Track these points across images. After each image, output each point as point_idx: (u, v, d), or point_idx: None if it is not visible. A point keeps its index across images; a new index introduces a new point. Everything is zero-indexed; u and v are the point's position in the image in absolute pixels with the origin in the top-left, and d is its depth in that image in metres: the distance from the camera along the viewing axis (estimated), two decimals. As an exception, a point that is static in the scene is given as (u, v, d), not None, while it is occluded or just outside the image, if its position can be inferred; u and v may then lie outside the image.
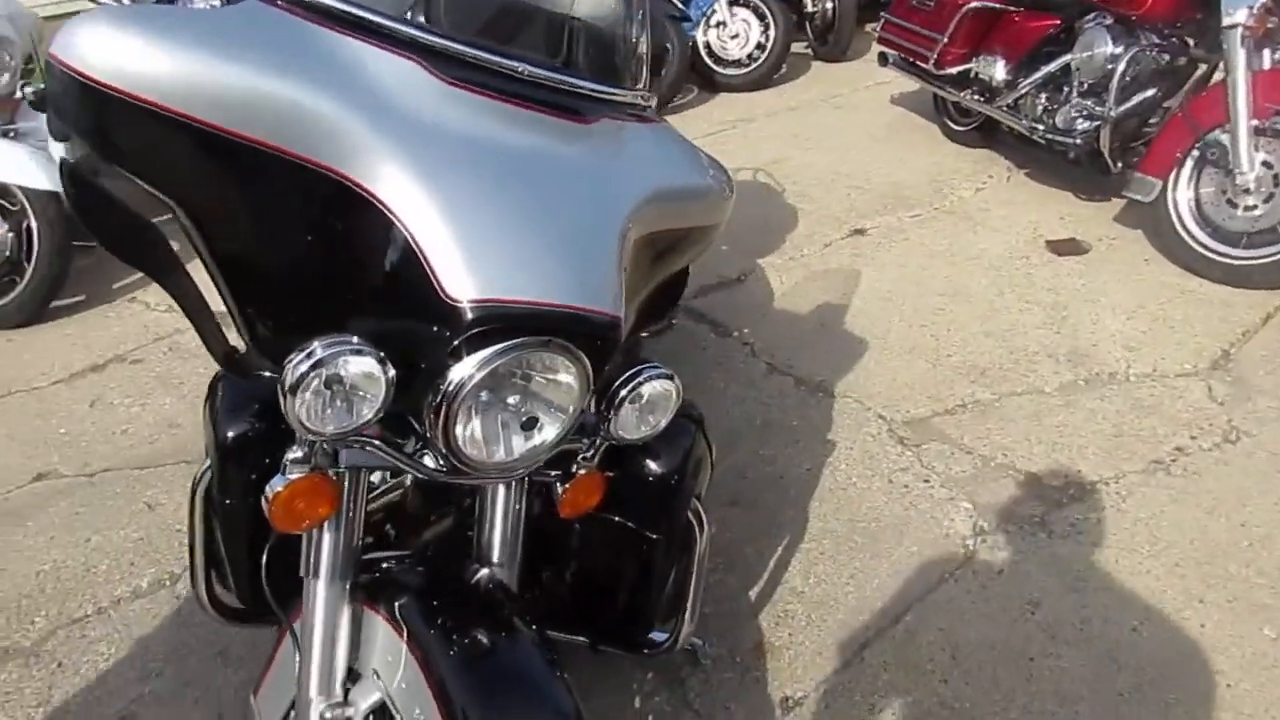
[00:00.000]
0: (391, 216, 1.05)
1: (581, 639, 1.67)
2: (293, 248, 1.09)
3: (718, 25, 6.02)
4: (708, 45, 6.06)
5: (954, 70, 4.56)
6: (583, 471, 1.34)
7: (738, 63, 6.09)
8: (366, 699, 1.20)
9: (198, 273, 1.14)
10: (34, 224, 3.25)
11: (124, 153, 1.00)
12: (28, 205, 3.24)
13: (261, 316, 1.11)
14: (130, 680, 1.93)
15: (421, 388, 1.06)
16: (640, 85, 1.49)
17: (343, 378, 1.02)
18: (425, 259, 1.04)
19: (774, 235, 4.02)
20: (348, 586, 1.21)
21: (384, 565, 1.30)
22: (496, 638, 1.20)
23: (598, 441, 1.32)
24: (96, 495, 2.50)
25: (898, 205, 4.22)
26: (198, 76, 0.98)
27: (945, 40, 4.53)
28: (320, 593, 1.19)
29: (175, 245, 1.17)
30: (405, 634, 1.17)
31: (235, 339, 1.17)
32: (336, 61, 1.08)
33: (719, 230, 1.62)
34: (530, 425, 1.13)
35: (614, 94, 1.37)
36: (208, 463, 1.42)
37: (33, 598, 2.16)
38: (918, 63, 4.76)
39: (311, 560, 1.19)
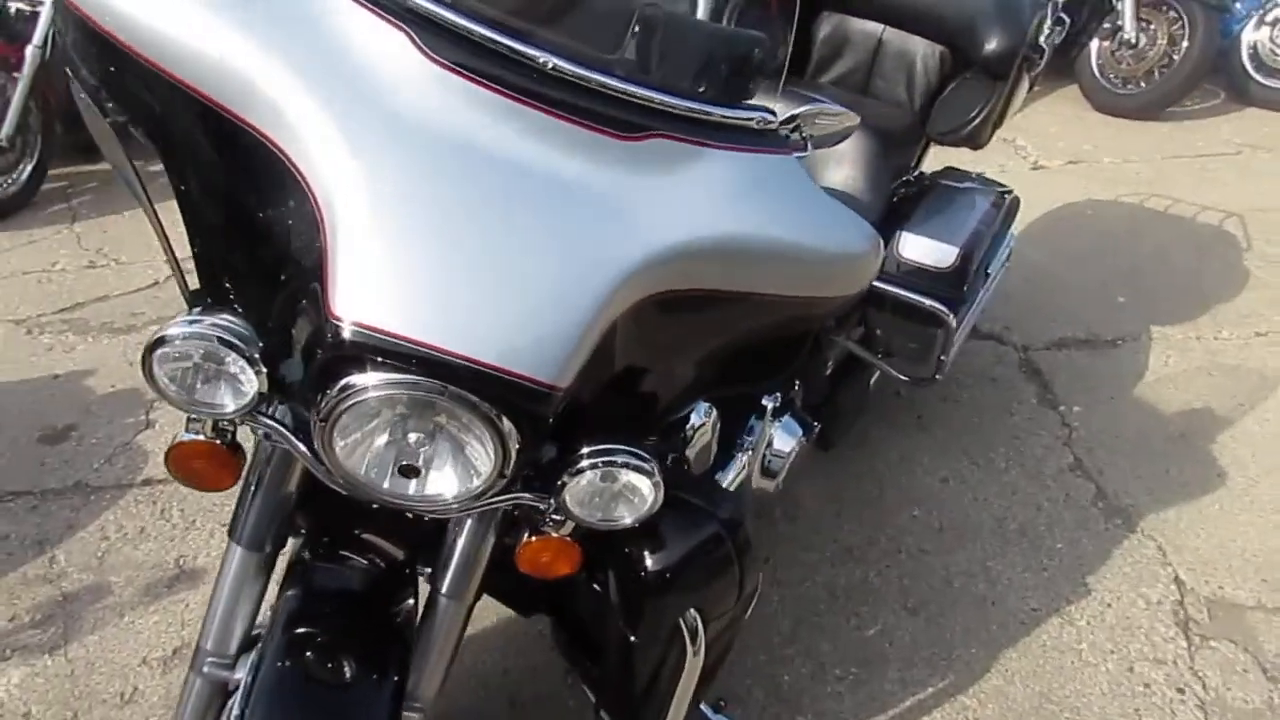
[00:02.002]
0: (314, 204, 0.94)
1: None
2: (231, 210, 1.03)
3: (1275, 24, 4.76)
4: (1254, 47, 4.84)
5: None
6: (550, 533, 1.17)
7: (1287, 75, 4.78)
8: (242, 671, 1.20)
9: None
10: None
11: (115, 94, 1.02)
12: None
13: (204, 265, 1.08)
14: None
15: (300, 394, 0.98)
16: (750, 99, 1.18)
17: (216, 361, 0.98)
18: (329, 263, 0.92)
19: (1195, 300, 3.19)
20: (264, 555, 1.20)
21: (316, 554, 1.27)
22: (338, 675, 1.12)
23: (554, 507, 1.14)
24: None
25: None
26: (169, 28, 0.95)
27: None
28: (235, 555, 1.19)
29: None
30: (272, 627, 1.14)
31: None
32: (307, 19, 0.98)
33: (841, 303, 1.28)
34: (409, 473, 1.01)
35: (694, 109, 1.06)
36: None
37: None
38: None
39: (236, 520, 1.19)
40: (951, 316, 2.00)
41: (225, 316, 0.99)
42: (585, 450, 1.07)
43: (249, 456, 1.15)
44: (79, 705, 1.75)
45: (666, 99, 1.04)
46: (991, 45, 1.99)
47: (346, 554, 1.31)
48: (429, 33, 0.98)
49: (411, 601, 1.30)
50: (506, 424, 0.97)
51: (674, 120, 1.05)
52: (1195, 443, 2.54)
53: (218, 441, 1.07)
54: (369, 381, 0.92)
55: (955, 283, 2.00)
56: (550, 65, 0.99)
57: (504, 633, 1.90)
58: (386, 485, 1.01)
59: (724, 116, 1.09)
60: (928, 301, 1.98)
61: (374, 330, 0.90)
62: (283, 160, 0.95)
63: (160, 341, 0.96)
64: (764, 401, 1.88)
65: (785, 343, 1.35)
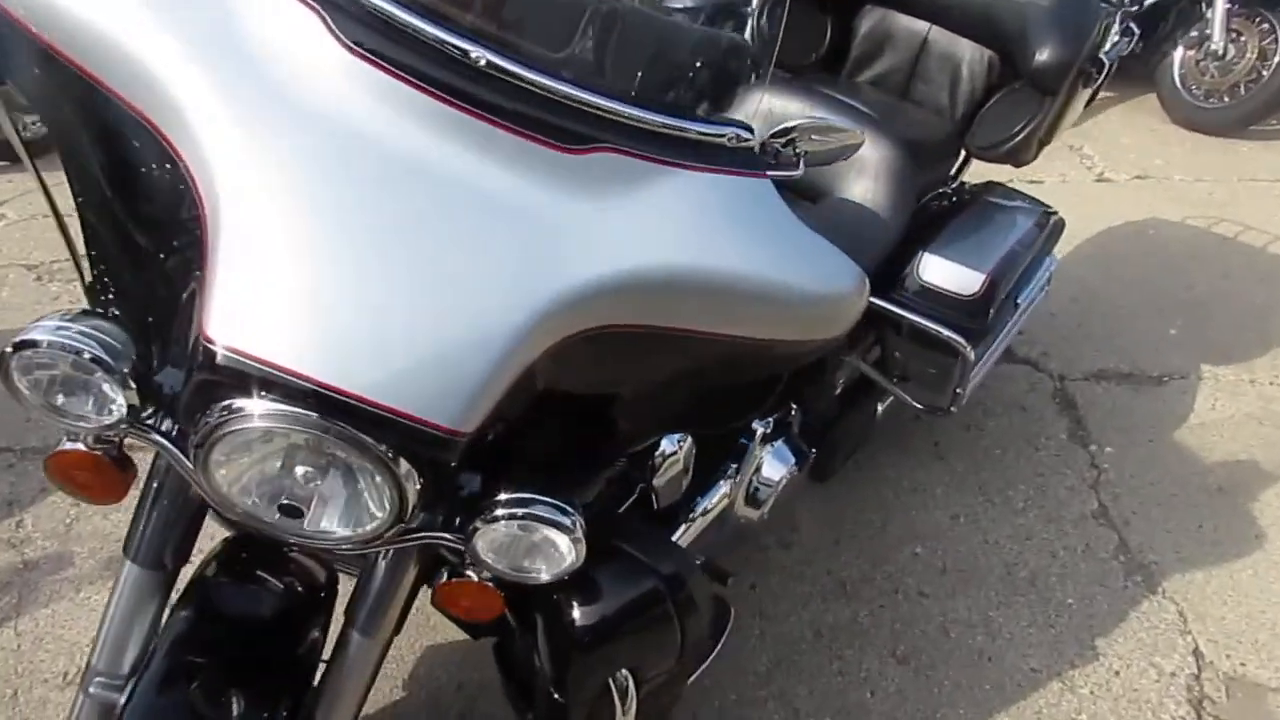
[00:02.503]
0: (199, 204, 0.83)
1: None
2: (116, 204, 0.92)
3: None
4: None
5: None
6: (470, 575, 1.07)
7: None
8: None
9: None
10: None
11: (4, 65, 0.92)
12: None
13: (94, 261, 0.98)
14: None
15: (178, 412, 0.88)
16: (728, 111, 1.04)
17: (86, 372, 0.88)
18: (209, 274, 0.81)
19: (1254, 339, 2.96)
20: (163, 573, 1.11)
21: (226, 571, 1.17)
22: (220, 709, 1.03)
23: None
24: None
25: None
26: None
27: None
28: (129, 573, 1.10)
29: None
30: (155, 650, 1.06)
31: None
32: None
33: (818, 346, 1.14)
34: (291, 512, 0.90)
35: (651, 121, 0.93)
36: None
37: None
38: None
39: (131, 535, 1.10)
40: (969, 349, 1.84)
41: (98, 324, 0.89)
42: (503, 497, 0.96)
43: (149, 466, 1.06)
44: (20, 683, 1.70)
45: (617, 107, 0.91)
46: (1043, 56, 1.81)
47: (263, 574, 1.21)
48: (344, 14, 0.86)
49: (317, 633, 1.21)
50: (404, 466, 0.87)
51: (626, 132, 0.92)
52: (1235, 498, 2.35)
53: (99, 453, 0.98)
54: (247, 410, 0.82)
55: (977, 312, 1.84)
56: (483, 61, 0.86)
57: (460, 647, 1.81)
58: (268, 519, 0.92)
59: (688, 131, 0.96)
60: (944, 331, 1.83)
61: (249, 357, 0.80)
62: (167, 151, 0.85)
63: (25, 344, 0.86)
64: (754, 425, 1.75)
65: (758, 384, 1.22)
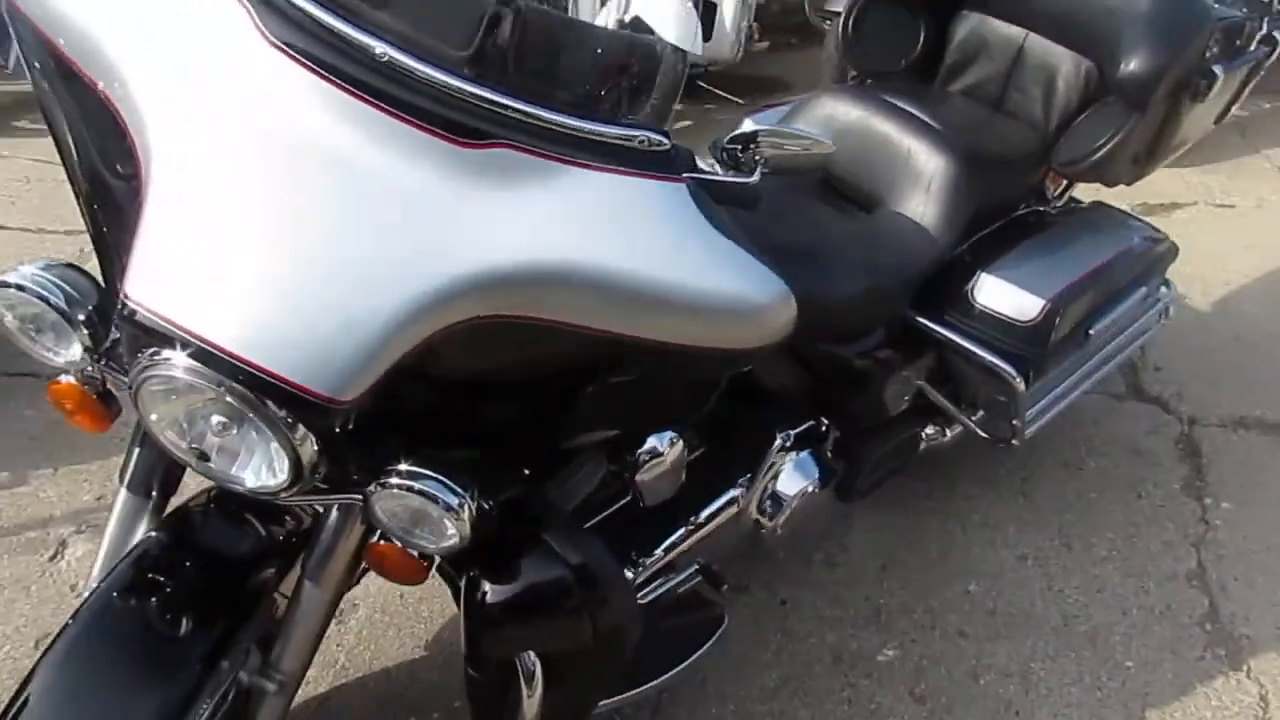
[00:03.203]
0: (140, 174, 0.94)
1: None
2: (87, 166, 1.05)
3: None
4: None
5: None
6: (396, 540, 1.14)
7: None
8: None
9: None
10: None
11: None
12: None
13: (84, 214, 1.12)
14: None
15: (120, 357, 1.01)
16: (634, 116, 1.03)
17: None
18: (139, 236, 0.92)
19: None
20: (152, 501, 1.25)
21: (211, 505, 1.28)
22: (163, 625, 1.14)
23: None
24: None
25: None
26: None
27: None
28: (120, 497, 1.25)
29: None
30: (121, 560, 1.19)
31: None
32: None
33: (741, 357, 1.12)
34: (202, 456, 1.01)
35: (549, 120, 0.96)
36: None
37: None
38: None
39: (125, 463, 1.24)
40: (1018, 379, 1.72)
41: (69, 274, 1.04)
42: (402, 467, 1.03)
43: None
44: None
45: (513, 105, 0.95)
46: (1130, 66, 1.66)
47: (249, 515, 1.33)
48: (269, 12, 0.95)
49: (272, 573, 1.30)
50: (301, 429, 0.95)
51: (525, 130, 0.96)
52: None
53: (85, 388, 1.12)
54: (162, 361, 0.92)
55: (1032, 341, 1.72)
56: (385, 57, 0.93)
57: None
58: (188, 460, 1.02)
59: (591, 132, 0.98)
60: (989, 357, 1.72)
61: (153, 314, 0.90)
62: (119, 123, 0.97)
63: (3, 285, 1.02)
64: (776, 433, 1.73)
65: (685, 388, 1.22)
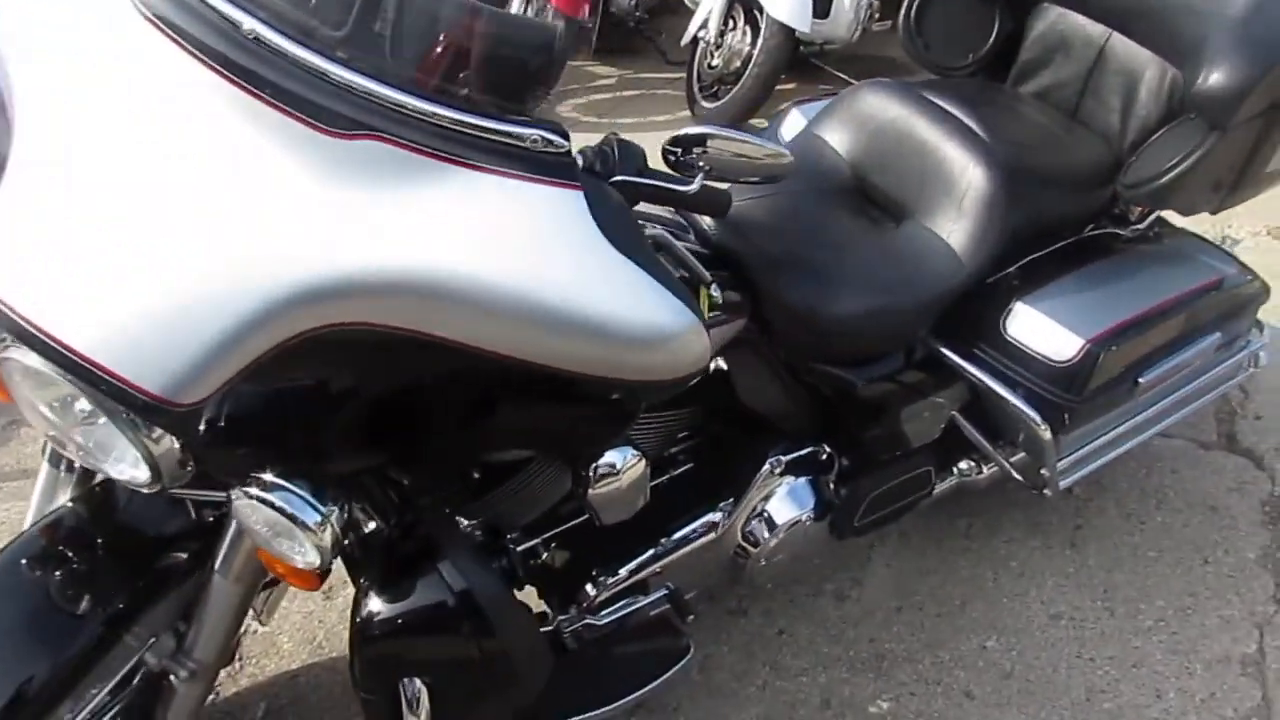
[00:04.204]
0: (9, 140, 0.92)
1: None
2: None
3: None
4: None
5: None
6: None
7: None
8: None
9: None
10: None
11: None
12: None
13: None
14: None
15: None
16: (524, 110, 0.92)
17: None
18: None
19: None
20: (73, 476, 1.24)
21: None
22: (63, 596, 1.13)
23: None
24: None
25: None
26: None
27: None
28: (42, 471, 1.25)
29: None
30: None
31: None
32: None
33: (640, 388, 1.00)
34: (59, 444, 0.98)
35: (425, 112, 0.87)
36: None
37: None
38: None
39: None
40: (1043, 427, 1.53)
41: None
42: (266, 476, 0.97)
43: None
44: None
45: (387, 93, 0.87)
46: (1211, 79, 1.43)
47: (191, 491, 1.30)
48: None
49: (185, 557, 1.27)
50: (158, 429, 0.91)
51: (400, 122, 0.87)
52: None
53: None
54: (15, 347, 0.90)
55: (1065, 385, 1.52)
56: (253, 35, 0.86)
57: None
58: (70, 445, 0.99)
59: (476, 128, 0.88)
60: (1011, 398, 1.53)
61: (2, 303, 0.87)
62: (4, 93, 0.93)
63: None
64: (767, 458, 1.60)
65: (596, 417, 1.11)
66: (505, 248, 0.88)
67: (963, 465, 1.86)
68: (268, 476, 0.96)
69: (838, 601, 1.92)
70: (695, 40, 3.94)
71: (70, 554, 1.17)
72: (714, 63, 3.92)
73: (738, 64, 3.83)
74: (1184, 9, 1.53)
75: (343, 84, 0.86)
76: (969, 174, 1.51)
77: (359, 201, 0.86)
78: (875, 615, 1.90)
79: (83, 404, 0.93)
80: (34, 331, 0.84)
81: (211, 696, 1.67)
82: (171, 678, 1.25)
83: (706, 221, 1.42)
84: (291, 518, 0.94)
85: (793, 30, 3.61)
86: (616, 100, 4.25)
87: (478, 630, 1.11)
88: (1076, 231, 1.74)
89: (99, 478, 1.26)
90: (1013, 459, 1.78)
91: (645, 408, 1.37)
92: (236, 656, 1.73)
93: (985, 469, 1.86)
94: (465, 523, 1.40)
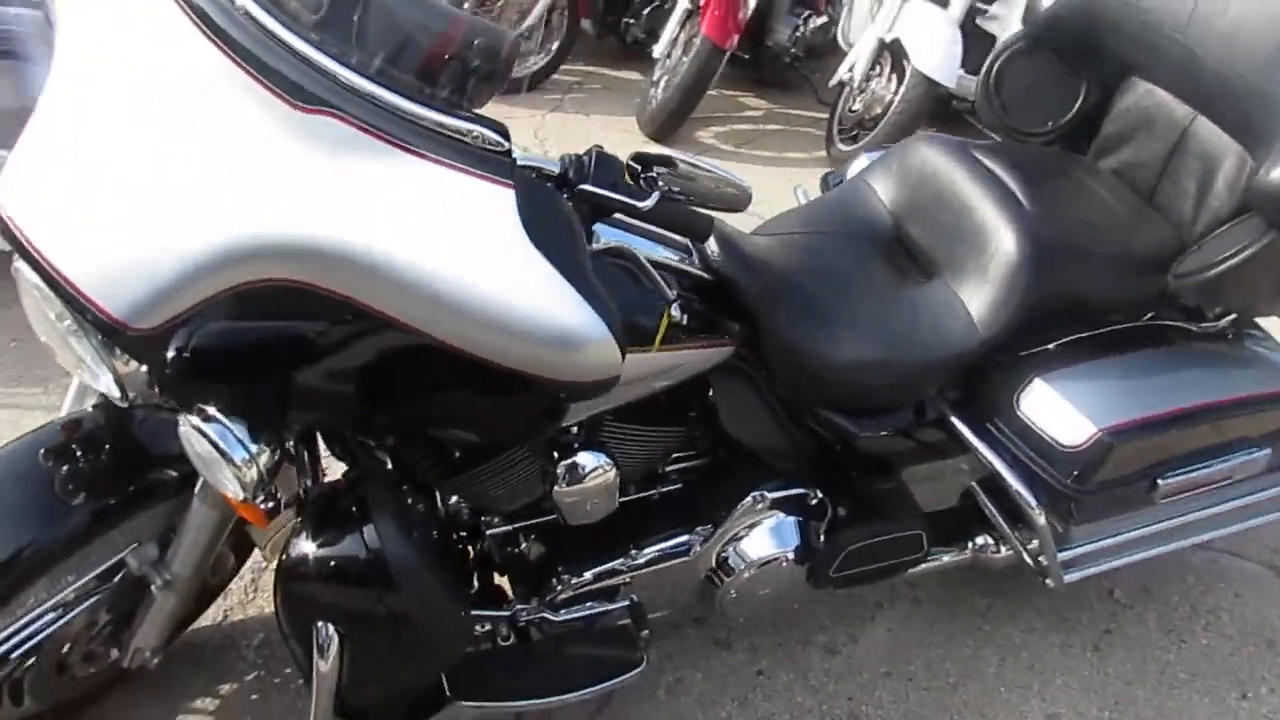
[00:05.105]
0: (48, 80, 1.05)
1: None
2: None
3: None
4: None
5: None
6: None
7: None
8: None
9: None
10: None
11: None
12: None
13: None
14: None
15: None
16: (460, 105, 0.98)
17: None
18: (17, 146, 1.03)
19: None
20: None
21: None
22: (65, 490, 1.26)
23: None
24: None
25: None
26: None
27: None
28: (75, 379, 1.40)
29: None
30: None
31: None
32: None
33: (553, 387, 1.03)
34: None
35: (376, 96, 0.96)
36: None
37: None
38: None
39: None
40: (1041, 514, 1.46)
41: None
42: (210, 409, 1.07)
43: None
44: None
45: (340, 73, 0.96)
46: (1272, 174, 1.34)
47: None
48: None
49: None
50: (120, 353, 1.03)
51: (352, 102, 0.96)
52: None
53: None
54: (17, 259, 1.03)
55: (1069, 472, 1.45)
56: (243, 10, 0.97)
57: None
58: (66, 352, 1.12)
59: (416, 116, 0.96)
60: (1009, 476, 1.47)
61: (8, 218, 1.01)
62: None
63: None
64: (752, 491, 1.59)
65: (520, 406, 1.14)
66: (427, 230, 0.94)
67: (979, 540, 1.79)
68: (211, 409, 1.06)
69: (827, 654, 1.88)
70: (842, 83, 3.93)
71: (79, 452, 1.31)
72: (855, 106, 3.90)
73: (878, 110, 3.79)
74: (1263, 97, 1.43)
75: (307, 61, 0.95)
76: (999, 239, 1.46)
77: (313, 170, 0.94)
78: (861, 675, 1.84)
79: (68, 320, 1.06)
80: (31, 251, 0.97)
81: (219, 619, 1.81)
82: (151, 586, 1.38)
83: (714, 248, 1.43)
84: (221, 451, 1.03)
85: (937, 83, 3.54)
86: (758, 132, 4.27)
87: (385, 590, 1.17)
88: (1132, 318, 1.64)
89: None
90: (1028, 544, 1.70)
91: (632, 419, 1.42)
92: (226, 586, 1.82)
93: (1003, 549, 1.78)
94: (453, 499, 1.48)
